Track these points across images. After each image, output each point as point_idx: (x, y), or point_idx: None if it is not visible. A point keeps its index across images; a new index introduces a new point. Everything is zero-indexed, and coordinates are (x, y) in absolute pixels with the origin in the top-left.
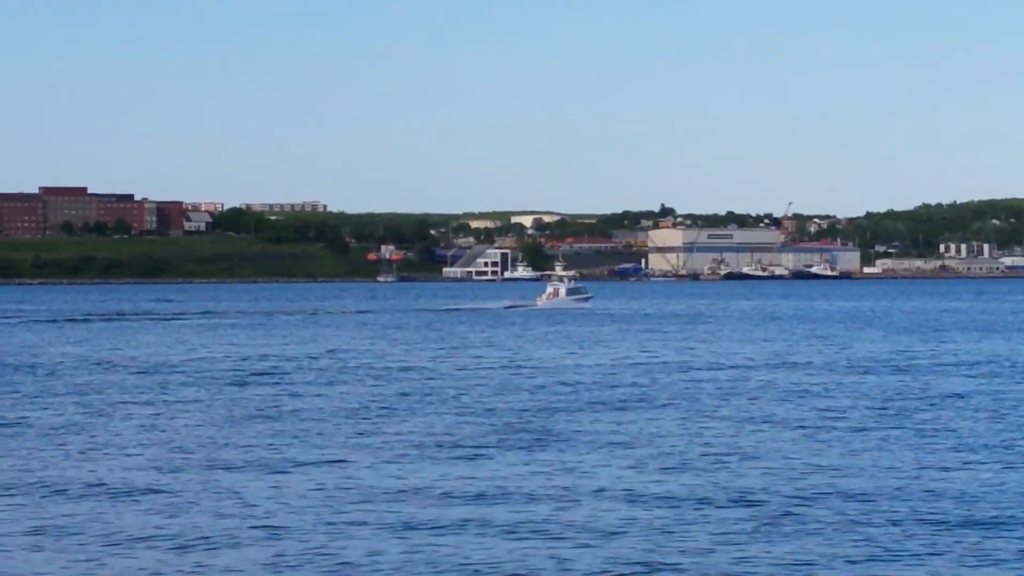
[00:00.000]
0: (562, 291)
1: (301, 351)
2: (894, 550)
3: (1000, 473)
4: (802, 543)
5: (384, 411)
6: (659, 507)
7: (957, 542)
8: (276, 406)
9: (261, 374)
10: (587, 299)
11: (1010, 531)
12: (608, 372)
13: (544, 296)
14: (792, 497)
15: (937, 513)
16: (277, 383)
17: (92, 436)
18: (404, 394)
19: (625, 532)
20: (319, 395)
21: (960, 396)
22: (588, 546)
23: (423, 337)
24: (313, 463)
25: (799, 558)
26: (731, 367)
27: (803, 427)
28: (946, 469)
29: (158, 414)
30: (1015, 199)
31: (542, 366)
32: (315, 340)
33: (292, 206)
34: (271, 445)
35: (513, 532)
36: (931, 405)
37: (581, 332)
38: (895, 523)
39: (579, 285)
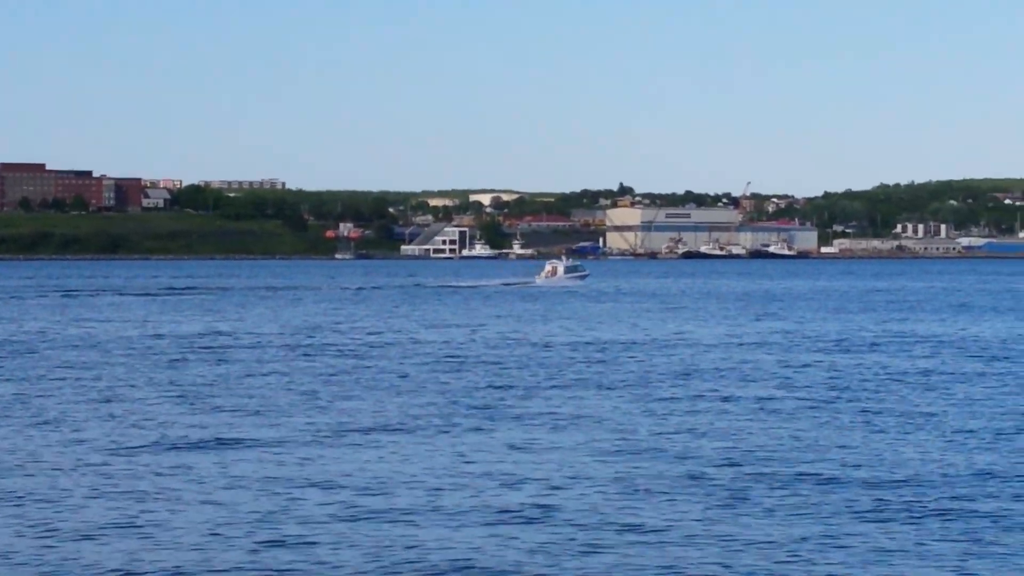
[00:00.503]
0: (560, 269)
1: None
2: (847, 529)
3: (947, 451)
4: (757, 522)
5: (361, 389)
6: (610, 485)
7: (907, 519)
8: (227, 383)
9: (213, 349)
10: (584, 277)
11: (960, 511)
12: (569, 351)
13: (543, 274)
14: (745, 475)
15: (887, 490)
16: (243, 359)
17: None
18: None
19: (571, 511)
20: (282, 372)
21: (919, 373)
22: (532, 523)
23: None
24: (258, 441)
25: (753, 536)
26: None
27: (759, 405)
28: (896, 447)
29: (108, 389)
30: (972, 180)
31: (510, 342)
32: (307, 315)
33: (251, 183)
34: (219, 423)
35: (459, 514)
36: (884, 384)
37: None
38: (848, 502)
39: (576, 263)
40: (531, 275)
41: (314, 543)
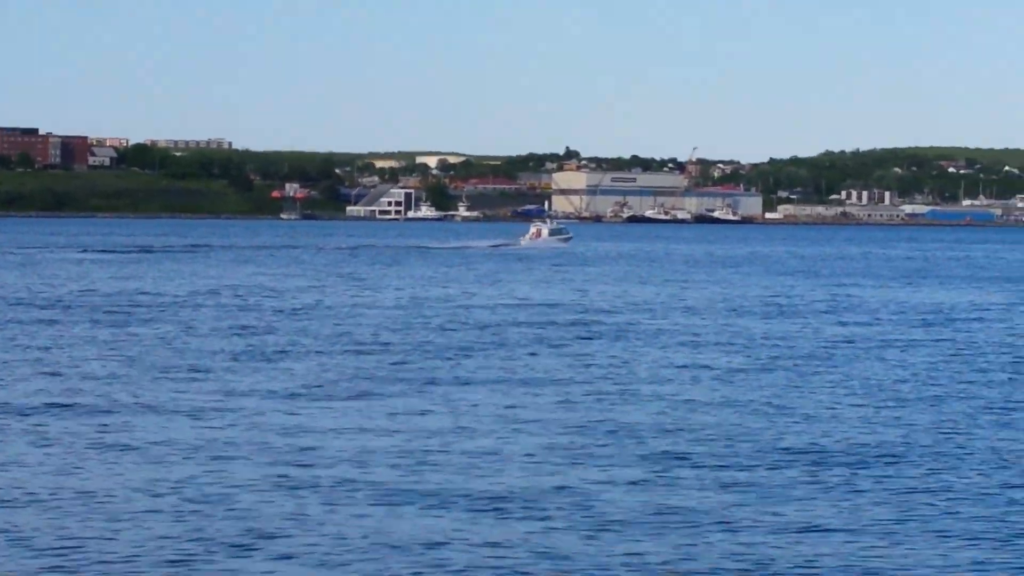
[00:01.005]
0: (544, 232)
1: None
2: (777, 493)
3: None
4: (682, 488)
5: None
6: (545, 446)
7: (839, 481)
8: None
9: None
10: (568, 239)
11: (892, 470)
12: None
13: (527, 236)
14: (673, 438)
15: (819, 453)
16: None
17: None
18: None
19: (504, 472)
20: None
21: (849, 341)
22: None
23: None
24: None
25: (682, 504)
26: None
27: (694, 368)
28: (831, 410)
29: (45, 348)
30: (917, 148)
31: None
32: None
33: (197, 143)
34: (158, 385)
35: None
36: (819, 350)
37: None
38: (776, 466)
39: (561, 226)
40: (517, 237)
41: (238, 510)
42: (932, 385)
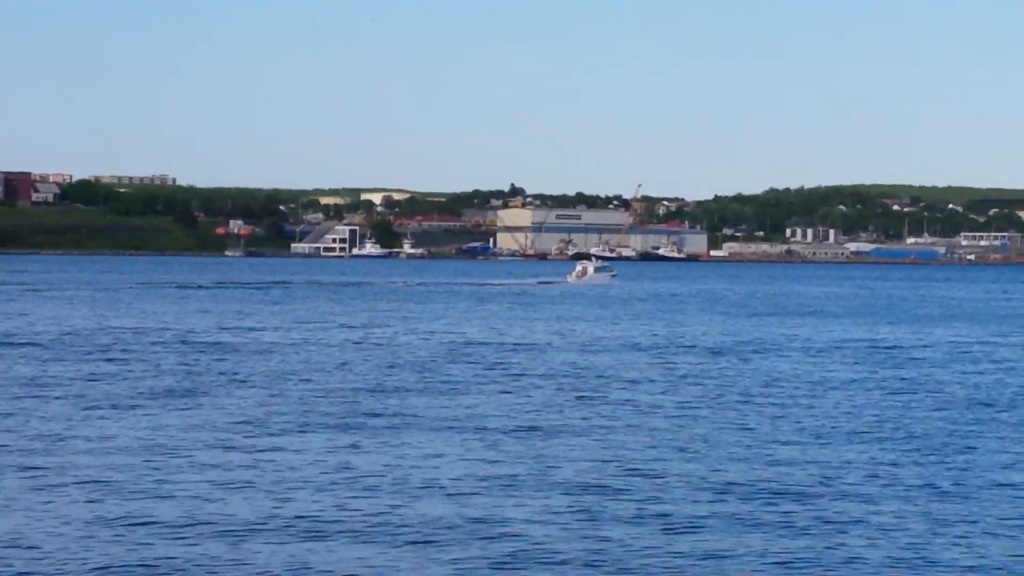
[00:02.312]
0: (590, 269)
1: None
2: (697, 528)
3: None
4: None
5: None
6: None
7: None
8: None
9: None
10: (613, 277)
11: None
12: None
13: (574, 274)
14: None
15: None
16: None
17: None
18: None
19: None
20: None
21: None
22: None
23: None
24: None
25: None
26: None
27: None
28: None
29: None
30: (861, 185)
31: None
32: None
33: (141, 179)
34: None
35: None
36: (754, 387)
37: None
38: (699, 500)
39: (606, 264)
40: (563, 275)
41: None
42: (866, 421)
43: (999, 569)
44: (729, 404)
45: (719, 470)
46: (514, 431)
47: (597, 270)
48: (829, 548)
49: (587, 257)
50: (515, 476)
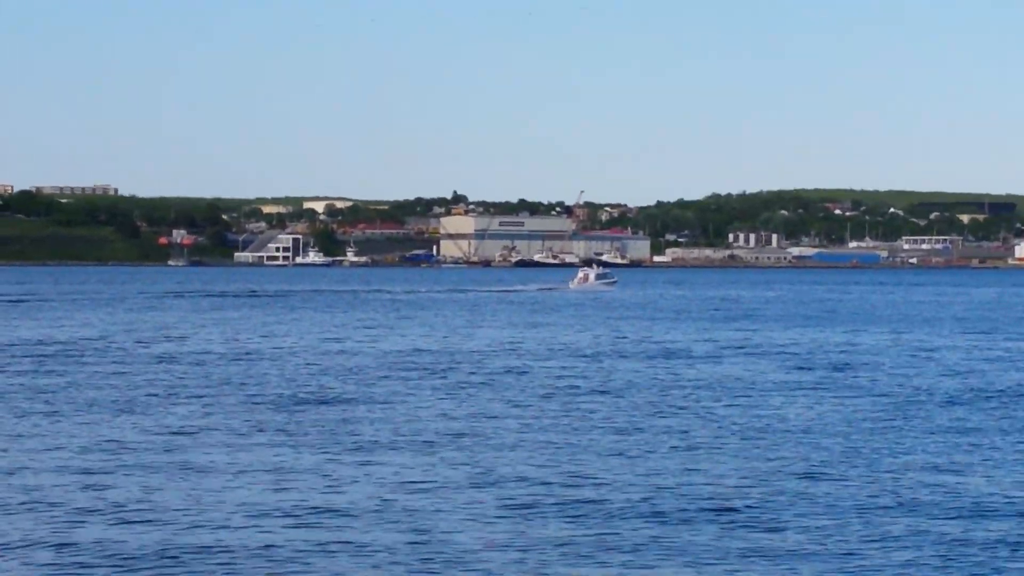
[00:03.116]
0: (591, 276)
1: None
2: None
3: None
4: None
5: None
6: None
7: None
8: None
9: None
10: (613, 283)
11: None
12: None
13: (576, 280)
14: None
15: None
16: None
17: None
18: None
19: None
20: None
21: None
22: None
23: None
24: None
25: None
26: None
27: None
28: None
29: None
30: (803, 190)
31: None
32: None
33: (83, 189)
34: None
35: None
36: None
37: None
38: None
39: (606, 271)
40: (565, 282)
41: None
42: (796, 424)
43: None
44: (664, 409)
45: (653, 474)
46: (454, 438)
47: (598, 277)
48: (760, 548)
49: (591, 265)
50: (450, 483)
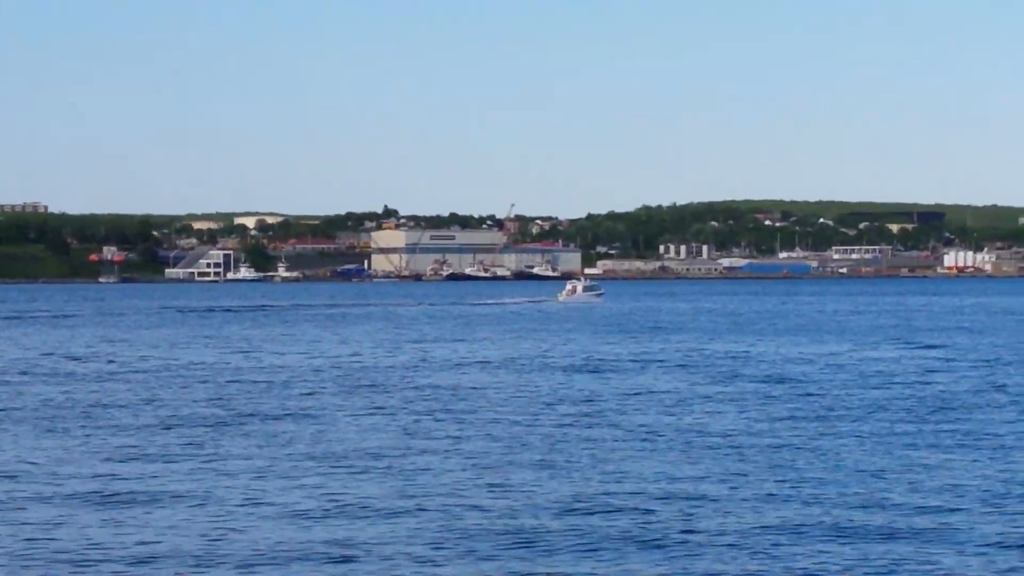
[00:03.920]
0: (579, 289)
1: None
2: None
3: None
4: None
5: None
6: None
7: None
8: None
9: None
10: (600, 295)
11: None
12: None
13: (564, 293)
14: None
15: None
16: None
17: None
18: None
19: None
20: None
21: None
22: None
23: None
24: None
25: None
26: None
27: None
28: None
29: None
30: (733, 201)
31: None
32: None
33: (12, 206)
34: None
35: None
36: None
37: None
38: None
39: (594, 284)
40: (554, 295)
41: None
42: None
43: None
44: (594, 420)
45: (575, 485)
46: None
47: (585, 289)
48: (680, 557)
49: (577, 278)
50: (372, 497)
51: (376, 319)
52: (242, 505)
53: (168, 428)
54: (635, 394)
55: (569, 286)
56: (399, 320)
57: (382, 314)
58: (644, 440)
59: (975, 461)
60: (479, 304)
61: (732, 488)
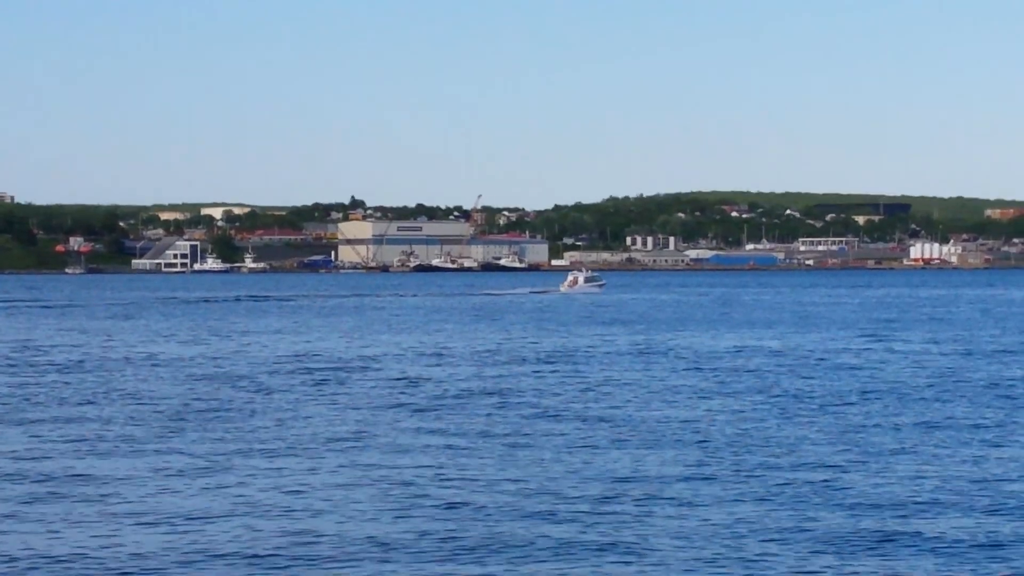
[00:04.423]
0: (581, 279)
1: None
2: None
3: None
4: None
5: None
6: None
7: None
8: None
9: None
10: (601, 286)
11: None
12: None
13: (566, 283)
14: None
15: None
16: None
17: None
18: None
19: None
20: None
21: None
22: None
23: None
24: None
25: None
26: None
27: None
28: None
29: None
30: (700, 193)
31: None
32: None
33: None
34: None
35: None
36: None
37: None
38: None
39: (595, 274)
40: (556, 284)
41: None
42: (665, 426)
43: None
44: (555, 411)
45: (526, 474)
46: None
47: (587, 280)
48: (635, 544)
49: (579, 269)
50: (332, 485)
51: (391, 309)
52: (194, 496)
53: (127, 421)
54: (623, 386)
55: (571, 277)
56: (417, 311)
57: (395, 305)
58: (609, 429)
59: (935, 454)
60: (483, 295)
61: (688, 481)
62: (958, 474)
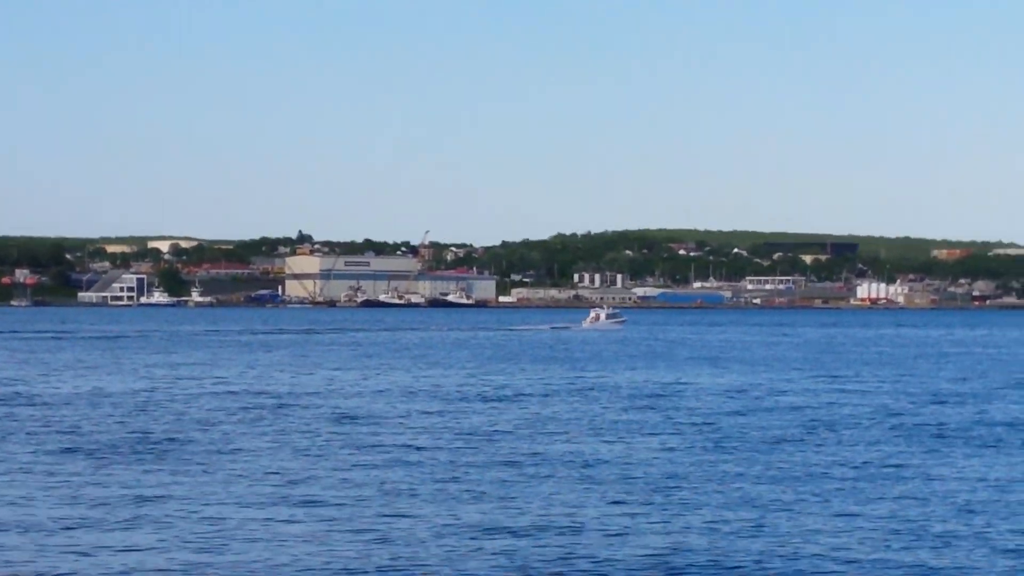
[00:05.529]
0: (602, 316)
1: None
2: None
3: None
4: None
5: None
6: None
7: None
8: None
9: None
10: (622, 322)
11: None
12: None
13: (588, 320)
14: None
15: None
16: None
17: None
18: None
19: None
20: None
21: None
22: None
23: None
24: None
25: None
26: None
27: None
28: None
29: None
30: (647, 230)
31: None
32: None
33: None
34: None
35: None
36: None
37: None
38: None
39: (615, 311)
40: (578, 321)
41: None
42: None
43: None
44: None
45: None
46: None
47: (608, 316)
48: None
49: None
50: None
51: (418, 347)
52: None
53: (70, 453)
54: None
55: (593, 314)
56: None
57: (418, 342)
58: (542, 463)
59: (871, 494)
60: (504, 330)
61: (611, 517)
62: (874, 518)
